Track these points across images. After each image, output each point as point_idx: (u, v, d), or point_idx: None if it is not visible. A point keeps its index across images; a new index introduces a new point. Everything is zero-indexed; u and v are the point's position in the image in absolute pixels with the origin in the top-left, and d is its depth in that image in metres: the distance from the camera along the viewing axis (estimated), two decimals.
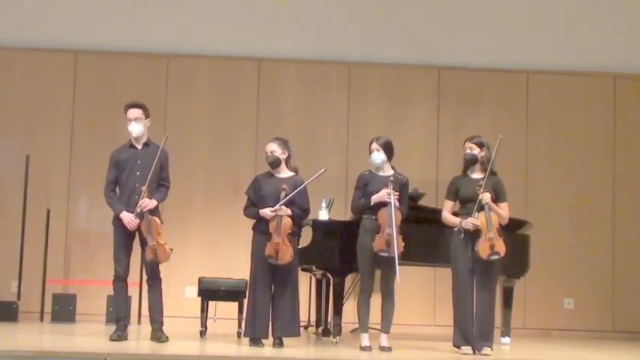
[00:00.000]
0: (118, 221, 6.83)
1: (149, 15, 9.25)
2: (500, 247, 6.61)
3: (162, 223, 6.90)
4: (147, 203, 6.72)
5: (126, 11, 9.20)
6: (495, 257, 6.61)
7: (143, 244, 6.79)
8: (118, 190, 6.93)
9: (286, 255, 6.68)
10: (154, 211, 6.82)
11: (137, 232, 6.82)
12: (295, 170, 7.03)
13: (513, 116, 9.75)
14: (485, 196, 6.63)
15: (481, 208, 6.64)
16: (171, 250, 6.78)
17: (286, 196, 6.72)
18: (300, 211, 6.87)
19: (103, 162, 9.22)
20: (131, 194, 6.83)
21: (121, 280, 6.85)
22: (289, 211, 6.76)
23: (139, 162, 6.88)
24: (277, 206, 6.71)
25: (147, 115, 7.00)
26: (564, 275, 9.58)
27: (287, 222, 6.72)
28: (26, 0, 9.17)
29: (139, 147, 6.95)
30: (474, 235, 6.65)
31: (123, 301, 6.90)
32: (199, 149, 9.41)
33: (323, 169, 6.86)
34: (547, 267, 9.31)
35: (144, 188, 6.71)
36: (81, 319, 8.76)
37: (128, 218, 6.75)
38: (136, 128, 6.92)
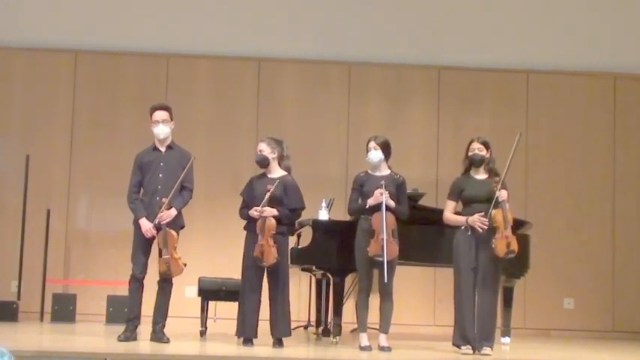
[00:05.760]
0: (139, 223, 6.83)
1: (149, 15, 9.25)
2: (515, 246, 6.60)
3: (183, 226, 6.92)
4: (166, 216, 6.70)
5: (126, 11, 9.20)
6: (511, 255, 6.60)
7: (158, 254, 6.80)
8: (141, 191, 6.92)
9: (270, 256, 6.67)
10: (176, 218, 6.80)
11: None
12: (287, 170, 7.02)
13: (513, 116, 9.74)
14: (503, 194, 6.61)
15: (497, 205, 6.61)
16: (184, 264, 6.77)
17: (270, 196, 6.72)
18: (287, 211, 6.85)
19: (103, 162, 9.34)
20: (152, 196, 6.82)
21: (136, 280, 6.81)
22: (274, 212, 6.74)
23: (162, 164, 6.87)
24: (260, 207, 6.71)
25: (172, 118, 6.99)
26: (564, 275, 9.58)
27: (271, 223, 6.70)
28: (26, 0, 9.17)
29: (163, 150, 6.94)
30: (479, 234, 6.63)
31: (136, 301, 6.84)
32: (199, 149, 9.37)
33: (276, 183, 6.77)
34: (547, 267, 9.30)
35: (165, 200, 6.70)
36: (81, 319, 8.75)
37: (146, 227, 6.74)
38: (163, 130, 6.91)
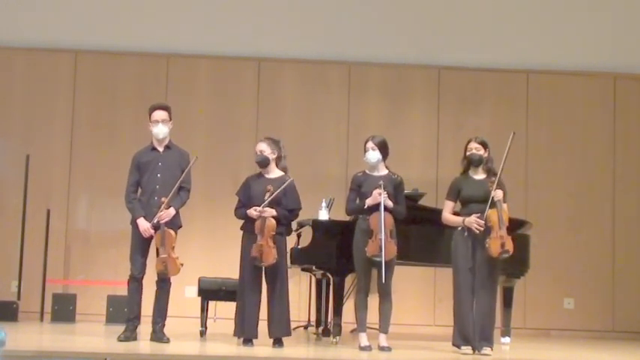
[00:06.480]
0: (136, 222, 6.83)
1: (149, 15, 9.25)
2: (510, 246, 6.59)
3: (181, 226, 6.92)
4: (164, 215, 6.71)
5: (126, 11, 9.20)
6: (506, 255, 6.59)
7: (156, 253, 6.80)
8: (139, 191, 6.92)
9: (269, 256, 6.67)
10: (174, 218, 6.81)
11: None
12: (284, 170, 7.01)
13: (513, 116, 9.74)
14: (498, 194, 6.61)
15: (492, 205, 6.62)
16: (181, 264, 6.77)
17: (270, 196, 6.72)
18: (285, 211, 6.85)
19: (103, 162, 9.34)
20: (151, 196, 6.82)
21: (135, 280, 6.82)
22: (274, 212, 6.74)
23: (160, 164, 6.88)
24: (261, 207, 6.71)
25: (171, 117, 6.99)
26: (564, 275, 9.58)
27: (271, 223, 6.70)
28: (26, 0, 9.17)
29: (161, 150, 6.95)
30: (476, 234, 6.63)
31: (135, 301, 6.84)
32: (199, 149, 9.35)
33: (288, 182, 6.79)
34: (547, 267, 9.30)
35: (164, 199, 6.70)
36: (81, 319, 8.76)
37: (144, 227, 6.74)
38: (162, 130, 6.91)
